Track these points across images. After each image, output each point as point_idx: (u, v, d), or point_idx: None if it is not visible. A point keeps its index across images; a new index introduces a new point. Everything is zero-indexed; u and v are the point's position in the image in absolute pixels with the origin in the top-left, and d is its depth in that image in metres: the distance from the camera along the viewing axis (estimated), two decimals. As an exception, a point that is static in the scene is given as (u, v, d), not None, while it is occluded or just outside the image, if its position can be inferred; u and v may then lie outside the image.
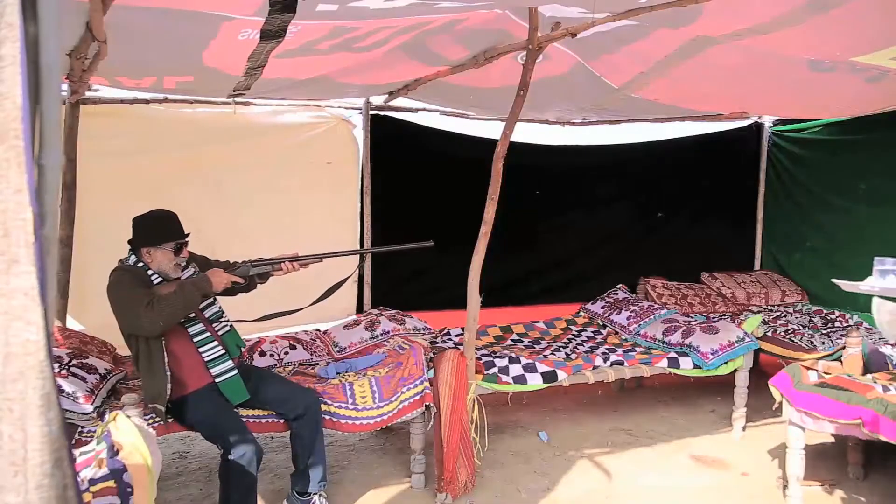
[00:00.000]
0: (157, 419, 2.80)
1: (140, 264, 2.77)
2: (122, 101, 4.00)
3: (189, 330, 2.77)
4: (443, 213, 4.63)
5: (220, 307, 2.96)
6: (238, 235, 4.23)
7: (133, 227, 2.81)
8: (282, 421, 3.02)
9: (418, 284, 4.82)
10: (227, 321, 2.96)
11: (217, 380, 2.80)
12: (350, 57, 3.11)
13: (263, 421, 3.02)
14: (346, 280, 3.15)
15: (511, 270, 5.06)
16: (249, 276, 2.87)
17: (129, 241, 2.82)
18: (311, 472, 2.97)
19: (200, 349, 2.78)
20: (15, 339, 0.62)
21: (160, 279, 2.77)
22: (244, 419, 2.89)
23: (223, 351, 2.82)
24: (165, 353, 2.75)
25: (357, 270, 3.28)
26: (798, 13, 2.41)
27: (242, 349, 3.06)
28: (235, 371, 2.84)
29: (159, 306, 2.59)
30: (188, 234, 2.85)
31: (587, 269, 5.37)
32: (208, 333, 2.81)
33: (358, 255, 3.45)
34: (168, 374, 2.76)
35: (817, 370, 3.18)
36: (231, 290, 2.89)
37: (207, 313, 2.88)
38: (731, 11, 2.50)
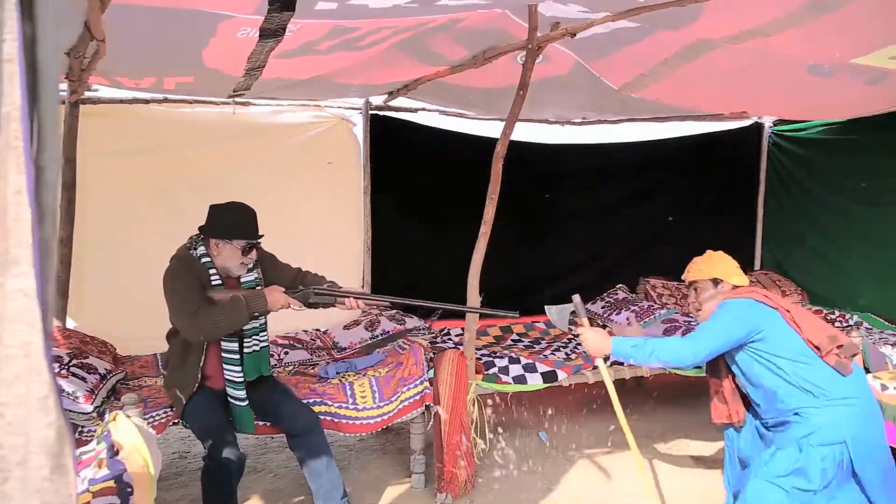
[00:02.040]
0: (173, 407, 2.77)
1: (204, 259, 2.67)
2: (122, 102, 4.00)
3: (222, 343, 2.70)
4: (443, 213, 4.63)
5: (264, 321, 2.83)
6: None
7: (208, 215, 2.70)
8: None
9: (420, 290, 4.78)
10: (265, 339, 2.84)
11: (229, 399, 2.75)
12: (349, 57, 3.11)
13: (260, 424, 2.98)
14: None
15: (511, 271, 5.05)
16: (309, 304, 2.69)
17: (201, 228, 2.72)
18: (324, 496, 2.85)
19: (224, 365, 2.71)
20: (15, 340, 0.62)
21: (219, 279, 2.67)
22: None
23: (241, 378, 2.73)
24: (206, 348, 2.69)
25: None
26: (797, 15, 2.41)
27: (264, 374, 2.88)
28: (245, 403, 2.75)
29: (205, 320, 2.53)
30: (262, 236, 2.73)
31: (587, 268, 5.37)
32: (237, 356, 2.72)
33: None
34: (201, 366, 2.69)
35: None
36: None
37: (247, 325, 2.75)
38: (730, 13, 2.49)
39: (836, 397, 2.32)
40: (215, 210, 2.70)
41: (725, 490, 2.84)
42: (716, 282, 2.65)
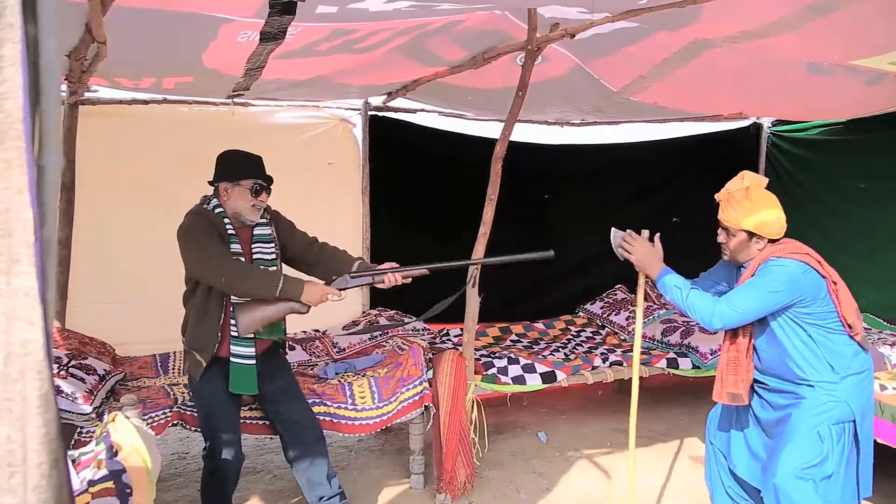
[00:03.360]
0: (191, 375, 2.64)
1: (218, 209, 2.60)
2: (121, 102, 4.00)
3: (234, 299, 2.55)
4: (442, 214, 4.63)
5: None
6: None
7: (215, 164, 2.66)
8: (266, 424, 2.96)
9: (419, 292, 4.77)
10: None
11: (231, 358, 2.58)
12: (349, 58, 3.11)
13: (261, 423, 2.98)
14: (463, 290, 2.86)
15: (511, 272, 5.03)
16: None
17: (210, 182, 2.67)
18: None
19: (232, 320, 2.55)
20: (16, 338, 0.63)
21: (233, 229, 2.59)
22: (242, 420, 2.85)
23: (251, 335, 2.58)
24: (225, 306, 2.56)
25: (473, 279, 2.96)
26: (797, 17, 2.41)
27: (276, 339, 2.75)
28: (253, 362, 2.61)
29: (231, 263, 2.45)
30: (272, 181, 2.66)
31: (587, 270, 5.37)
32: None
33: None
34: (220, 324, 2.56)
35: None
36: None
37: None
38: (729, 14, 2.50)
39: (850, 373, 2.27)
40: (220, 156, 2.66)
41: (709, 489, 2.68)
42: (750, 234, 2.36)
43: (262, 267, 2.61)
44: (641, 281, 2.67)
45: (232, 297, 2.57)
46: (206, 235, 2.51)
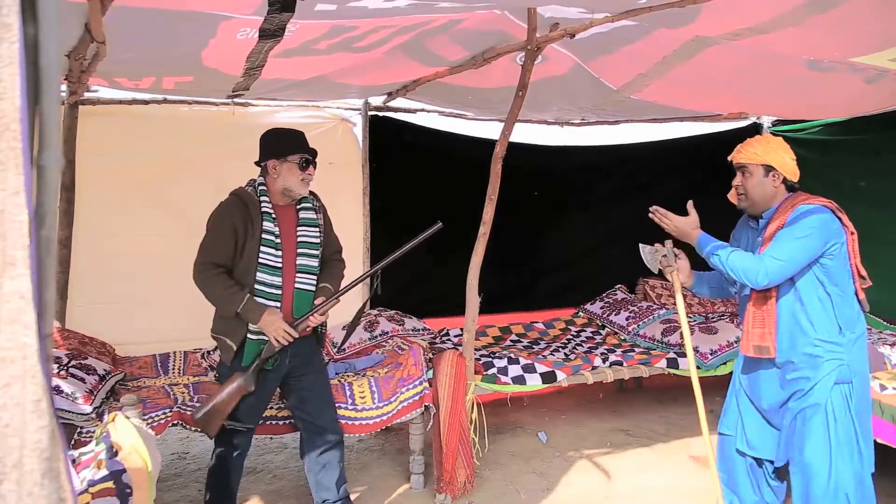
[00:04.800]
0: (221, 356, 2.66)
1: (261, 187, 2.62)
2: (121, 102, 4.01)
3: (259, 275, 2.55)
4: (442, 214, 4.61)
5: (315, 264, 2.71)
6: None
7: (260, 143, 2.69)
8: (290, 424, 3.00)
9: (419, 291, 4.77)
10: (313, 279, 2.69)
11: (248, 335, 2.58)
12: (349, 57, 3.11)
13: (283, 423, 3.03)
14: (363, 309, 2.95)
15: (510, 273, 5.05)
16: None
17: (256, 162, 2.69)
18: None
19: (258, 299, 2.54)
20: (10, 342, 0.62)
21: (270, 207, 2.59)
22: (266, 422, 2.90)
23: (278, 308, 2.57)
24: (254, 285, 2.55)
25: (371, 292, 3.01)
26: (797, 13, 2.41)
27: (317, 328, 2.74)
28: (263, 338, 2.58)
29: (204, 277, 2.51)
30: (317, 154, 2.69)
31: (586, 270, 5.37)
32: (279, 291, 2.58)
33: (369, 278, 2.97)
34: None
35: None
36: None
37: (301, 261, 2.65)
38: (730, 11, 2.50)
39: (853, 336, 2.29)
40: (265, 135, 2.70)
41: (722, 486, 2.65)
42: (768, 169, 2.36)
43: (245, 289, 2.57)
44: (678, 285, 2.71)
45: (248, 284, 2.57)
46: (217, 229, 2.56)
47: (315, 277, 2.71)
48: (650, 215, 2.59)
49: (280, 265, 2.59)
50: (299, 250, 2.65)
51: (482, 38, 3.12)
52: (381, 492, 3.36)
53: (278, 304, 2.59)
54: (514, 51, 3.16)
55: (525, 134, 5.06)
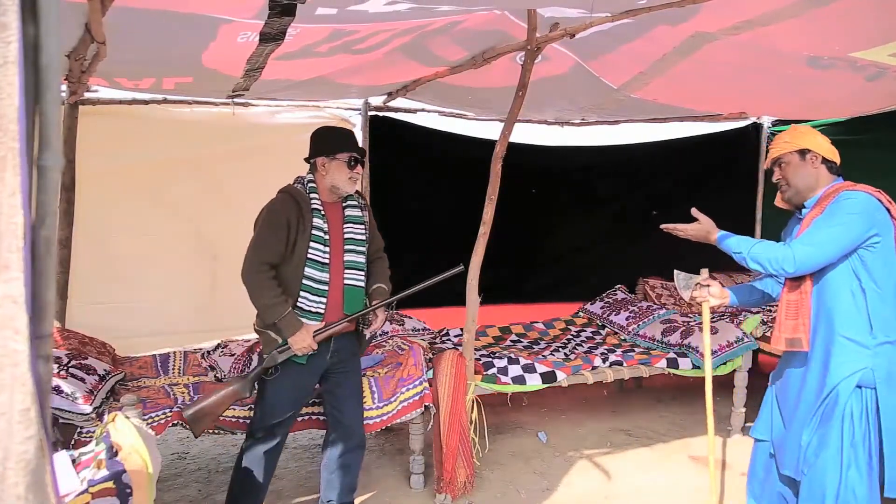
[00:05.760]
0: (263, 349, 2.66)
1: (311, 184, 2.64)
2: (121, 102, 4.00)
3: (307, 271, 2.56)
4: (442, 214, 4.62)
5: (363, 260, 2.74)
6: (238, 236, 4.23)
7: (310, 142, 2.72)
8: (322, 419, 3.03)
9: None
10: (362, 276, 2.72)
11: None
12: (349, 58, 3.11)
13: (315, 418, 3.09)
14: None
15: (510, 273, 5.05)
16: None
17: (306, 159, 2.72)
18: None
19: (302, 293, 2.57)
20: (1, 349, 0.59)
21: (319, 203, 2.60)
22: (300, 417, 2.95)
23: (321, 308, 2.60)
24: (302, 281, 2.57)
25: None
26: (796, 7, 2.41)
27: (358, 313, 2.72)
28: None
29: (255, 280, 2.51)
30: (365, 154, 2.74)
31: (587, 270, 5.37)
32: (325, 287, 2.59)
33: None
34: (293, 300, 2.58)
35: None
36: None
37: (349, 257, 2.67)
38: (729, 6, 2.50)
39: (884, 340, 2.14)
40: (315, 133, 2.72)
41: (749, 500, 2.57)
42: (803, 153, 2.29)
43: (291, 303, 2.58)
44: (707, 317, 2.74)
45: (296, 279, 2.59)
46: (271, 225, 2.55)
47: (363, 273, 2.75)
48: (663, 229, 2.55)
49: (327, 261, 2.61)
50: (346, 247, 2.68)
51: (482, 38, 3.12)
52: (381, 492, 3.37)
53: (324, 300, 2.61)
54: (514, 51, 3.15)
55: (525, 134, 5.05)
